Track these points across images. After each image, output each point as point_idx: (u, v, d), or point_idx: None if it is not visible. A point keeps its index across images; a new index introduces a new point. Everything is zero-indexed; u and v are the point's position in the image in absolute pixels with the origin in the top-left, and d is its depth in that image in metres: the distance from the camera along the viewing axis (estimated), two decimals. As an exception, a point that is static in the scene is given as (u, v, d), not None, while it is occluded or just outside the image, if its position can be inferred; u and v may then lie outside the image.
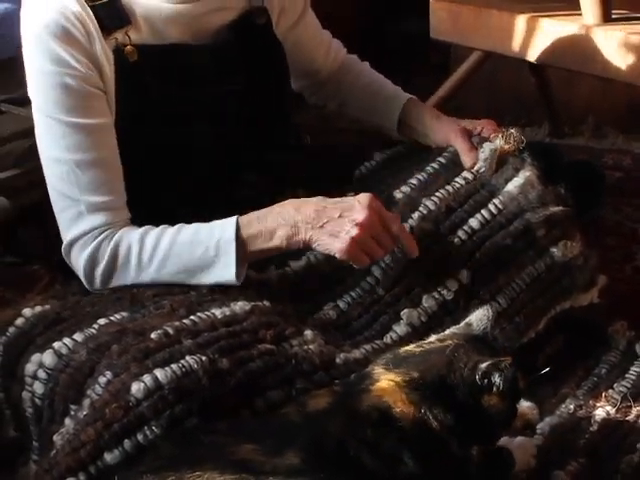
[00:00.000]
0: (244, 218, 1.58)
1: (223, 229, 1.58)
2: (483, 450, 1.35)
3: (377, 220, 1.55)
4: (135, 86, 1.66)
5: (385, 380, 1.30)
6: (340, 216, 1.54)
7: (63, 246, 1.63)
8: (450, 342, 1.35)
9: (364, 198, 1.56)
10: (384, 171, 1.88)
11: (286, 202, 1.59)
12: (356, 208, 1.54)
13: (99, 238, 1.60)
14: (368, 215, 1.53)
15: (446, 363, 1.31)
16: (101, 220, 1.61)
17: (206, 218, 1.61)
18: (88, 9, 1.59)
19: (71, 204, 1.61)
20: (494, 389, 1.31)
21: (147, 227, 1.62)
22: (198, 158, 1.73)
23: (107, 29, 1.61)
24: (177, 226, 1.61)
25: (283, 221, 1.56)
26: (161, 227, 1.62)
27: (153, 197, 1.70)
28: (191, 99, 1.71)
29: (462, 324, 1.42)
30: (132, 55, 1.64)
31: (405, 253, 1.63)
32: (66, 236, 1.63)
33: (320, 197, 1.59)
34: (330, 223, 1.55)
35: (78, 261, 1.62)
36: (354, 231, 1.53)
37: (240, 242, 1.57)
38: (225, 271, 1.58)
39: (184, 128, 1.71)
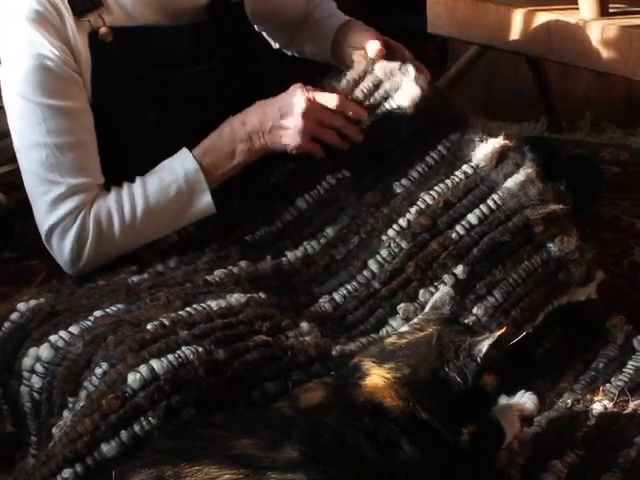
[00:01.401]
0: (197, 150, 1.69)
1: (183, 164, 1.67)
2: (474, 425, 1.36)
3: (315, 105, 1.68)
4: (111, 68, 1.67)
5: (375, 375, 1.30)
6: (282, 115, 1.68)
7: (43, 232, 1.64)
8: (430, 330, 1.35)
9: (295, 89, 1.69)
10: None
11: (229, 120, 1.71)
12: (292, 101, 1.67)
13: (80, 217, 1.62)
14: (305, 104, 1.67)
15: (437, 355, 1.31)
16: (79, 201, 1.63)
17: None
18: None
19: (50, 188, 1.62)
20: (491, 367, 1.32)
21: (116, 189, 1.66)
22: (178, 141, 1.73)
23: (79, 12, 1.62)
24: (139, 180, 1.67)
25: (237, 138, 1.69)
26: (126, 185, 1.66)
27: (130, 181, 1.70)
28: (169, 80, 1.73)
29: (428, 309, 1.43)
30: (107, 36, 1.65)
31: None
32: (45, 222, 1.63)
33: (257, 103, 1.71)
34: (275, 125, 1.68)
35: (62, 245, 1.63)
36: (300, 123, 1.68)
37: (205, 169, 1.67)
38: (202, 200, 1.67)
39: (161, 110, 1.72)
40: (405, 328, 1.39)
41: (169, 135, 1.73)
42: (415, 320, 1.41)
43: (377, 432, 1.23)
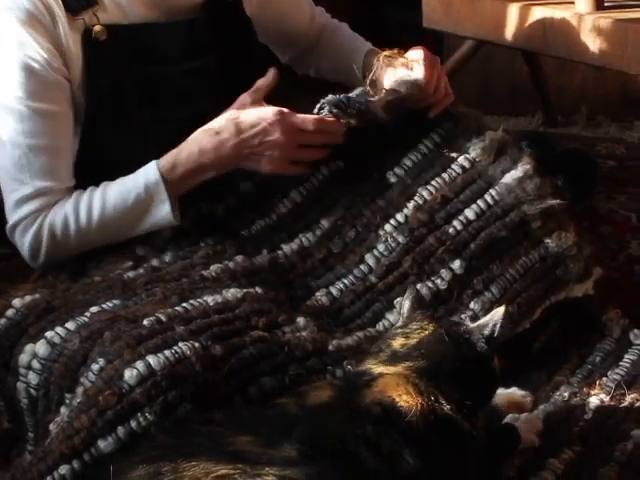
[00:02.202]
0: (163, 160, 1.65)
1: (146, 173, 1.64)
2: (488, 427, 1.37)
3: (293, 132, 1.65)
4: (105, 66, 1.67)
5: (389, 375, 1.30)
6: (259, 143, 1.64)
7: (7, 227, 1.67)
8: (433, 328, 1.37)
9: (271, 116, 1.63)
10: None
11: (198, 133, 1.66)
12: (269, 129, 1.63)
13: (39, 219, 1.65)
14: (282, 134, 1.63)
15: (455, 350, 1.33)
16: (43, 203, 1.65)
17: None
18: None
19: (18, 187, 1.64)
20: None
21: (76, 195, 1.66)
22: (171, 138, 1.72)
23: (73, 10, 1.62)
24: (102, 184, 1.66)
25: (207, 162, 1.65)
26: (89, 189, 1.66)
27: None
28: (162, 77, 1.73)
29: (406, 314, 1.43)
30: (101, 34, 1.65)
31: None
32: (10, 218, 1.67)
33: (230, 120, 1.65)
34: (252, 153, 1.65)
35: (22, 242, 1.67)
36: (275, 152, 1.65)
37: (167, 179, 1.63)
38: (161, 210, 1.64)
39: (155, 107, 1.72)
40: (402, 330, 1.39)
41: (163, 132, 1.73)
42: (400, 324, 1.42)
43: (379, 441, 1.22)
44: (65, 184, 1.68)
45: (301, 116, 1.67)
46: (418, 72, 1.75)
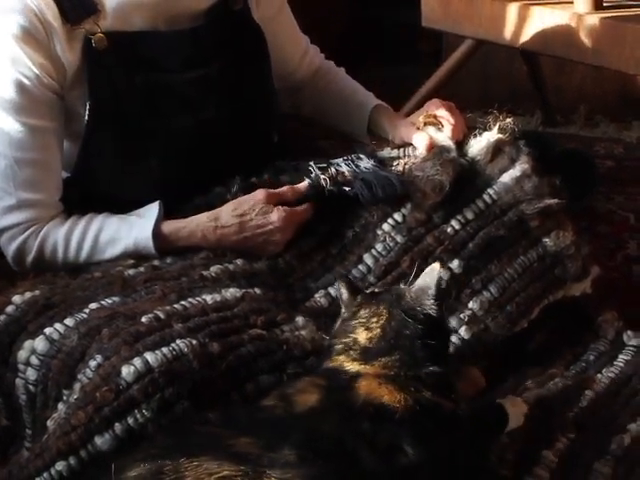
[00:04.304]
0: (166, 225, 1.68)
1: (141, 231, 1.66)
2: (477, 407, 1.39)
3: (295, 225, 1.70)
4: (106, 74, 1.66)
5: (369, 376, 1.29)
6: (263, 241, 1.68)
7: None
8: (383, 309, 1.37)
9: (277, 221, 1.67)
10: None
11: (203, 227, 1.68)
12: (274, 230, 1.68)
13: (26, 232, 1.67)
14: (285, 230, 1.68)
15: (413, 329, 1.34)
16: (30, 215, 1.67)
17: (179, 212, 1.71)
18: (51, 2, 1.60)
19: (4, 196, 1.66)
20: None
21: (71, 223, 1.68)
22: (174, 147, 1.75)
23: (73, 21, 1.62)
24: (100, 221, 1.68)
25: (207, 245, 1.68)
26: (85, 222, 1.68)
27: (130, 188, 1.74)
28: (165, 86, 1.71)
29: (346, 302, 1.43)
30: (101, 43, 1.64)
31: None
32: None
33: (236, 217, 1.68)
34: (254, 245, 1.69)
35: (7, 249, 1.69)
36: (277, 237, 1.68)
37: (157, 243, 1.66)
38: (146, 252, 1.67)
39: (158, 115, 1.71)
40: (358, 320, 1.39)
41: (165, 141, 1.73)
42: (346, 314, 1.41)
43: (376, 436, 1.22)
44: (52, 197, 1.70)
45: (304, 209, 1.72)
46: (447, 131, 1.79)
